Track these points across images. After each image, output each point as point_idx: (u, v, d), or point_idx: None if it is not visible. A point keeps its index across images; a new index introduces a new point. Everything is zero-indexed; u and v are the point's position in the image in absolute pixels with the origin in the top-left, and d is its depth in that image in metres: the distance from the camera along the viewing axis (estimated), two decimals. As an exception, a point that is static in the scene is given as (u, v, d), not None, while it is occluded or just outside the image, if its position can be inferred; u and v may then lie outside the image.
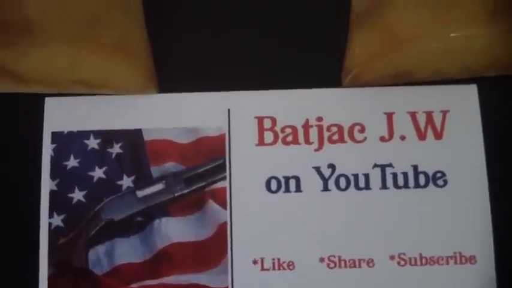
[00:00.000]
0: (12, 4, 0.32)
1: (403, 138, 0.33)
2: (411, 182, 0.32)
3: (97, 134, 0.33)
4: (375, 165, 0.32)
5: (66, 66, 0.32)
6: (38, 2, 0.32)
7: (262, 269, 0.31)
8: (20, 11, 0.32)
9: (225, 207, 0.32)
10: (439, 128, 0.33)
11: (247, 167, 0.32)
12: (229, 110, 0.33)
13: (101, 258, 0.31)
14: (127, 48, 0.33)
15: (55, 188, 0.32)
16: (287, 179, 0.32)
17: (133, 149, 0.32)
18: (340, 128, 0.33)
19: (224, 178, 0.32)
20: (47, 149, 0.32)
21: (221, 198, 0.32)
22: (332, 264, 0.31)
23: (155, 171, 0.32)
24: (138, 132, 0.33)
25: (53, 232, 0.31)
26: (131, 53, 0.33)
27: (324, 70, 0.34)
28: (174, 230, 0.32)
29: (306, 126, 0.33)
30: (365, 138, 0.33)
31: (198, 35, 0.35)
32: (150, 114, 0.33)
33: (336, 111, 0.33)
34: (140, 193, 0.32)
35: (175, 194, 0.32)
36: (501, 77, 0.34)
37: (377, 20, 0.33)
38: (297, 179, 0.32)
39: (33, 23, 0.32)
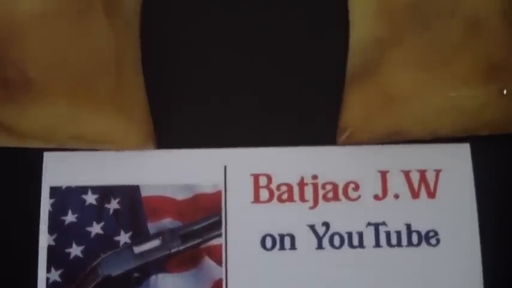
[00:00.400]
0: (13, 62, 0.33)
1: (396, 196, 0.33)
2: (404, 241, 0.33)
3: (95, 189, 0.33)
4: (369, 224, 0.33)
5: (65, 122, 0.33)
6: (37, 61, 0.33)
7: (258, 325, 0.33)
8: (20, 69, 0.33)
9: (220, 264, 0.32)
10: (432, 187, 0.34)
11: (243, 224, 0.33)
12: (225, 167, 0.34)
13: (97, 313, 0.32)
14: (125, 106, 0.34)
15: (53, 242, 0.32)
16: (282, 236, 0.33)
17: (130, 205, 0.33)
18: (335, 186, 0.34)
19: (220, 235, 0.33)
20: (45, 204, 0.33)
21: (217, 255, 0.32)
22: (327, 321, 0.33)
23: (152, 227, 0.33)
24: (135, 188, 0.33)
25: (50, 287, 0.32)
26: (130, 110, 0.34)
27: (319, 128, 0.35)
28: (170, 286, 0.32)
29: (301, 184, 0.34)
30: (359, 197, 0.34)
31: (195, 92, 0.35)
32: (148, 170, 0.34)
33: (330, 170, 0.34)
34: (137, 249, 0.32)
35: (172, 250, 0.32)
36: (494, 137, 0.34)
37: (371, 80, 0.34)
38: (292, 237, 0.33)
39: (33, 80, 0.33)
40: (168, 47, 0.37)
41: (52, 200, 0.33)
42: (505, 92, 0.32)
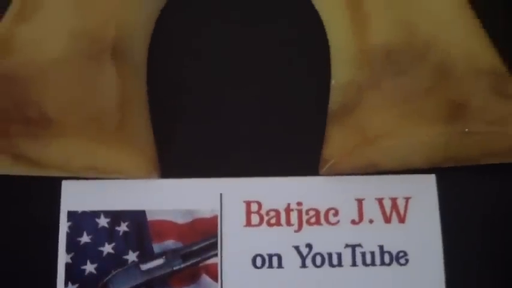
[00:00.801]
0: (34, 102, 0.35)
1: (371, 221, 0.36)
2: (377, 260, 0.36)
3: (107, 213, 0.37)
4: (347, 245, 0.36)
5: (79, 155, 0.36)
6: (55, 101, 0.36)
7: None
8: (40, 109, 0.35)
9: (216, 280, 0.36)
10: (402, 213, 0.37)
11: (236, 245, 0.36)
12: (221, 195, 0.37)
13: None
14: (133, 140, 0.36)
15: (70, 261, 0.36)
16: (270, 256, 0.36)
17: (138, 228, 0.36)
18: (317, 212, 0.37)
19: (216, 255, 0.36)
20: (63, 227, 0.36)
21: (213, 273, 0.36)
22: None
23: (157, 247, 0.36)
24: (142, 213, 0.36)
25: (68, 300, 0.36)
26: (136, 144, 0.36)
27: (304, 160, 0.37)
28: (172, 299, 0.36)
29: (288, 210, 0.37)
30: (338, 221, 0.37)
31: (195, 128, 0.38)
32: (153, 197, 0.37)
33: (313, 197, 0.37)
34: (144, 267, 0.36)
35: (174, 268, 0.36)
36: (457, 168, 0.37)
37: (350, 119, 0.36)
38: (279, 257, 0.36)
39: (51, 119, 0.35)
40: (168, 88, 0.39)
41: (69, 223, 0.37)
42: (466, 130, 0.35)
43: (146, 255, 0.36)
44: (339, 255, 0.36)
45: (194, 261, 0.36)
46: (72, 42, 0.37)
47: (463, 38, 0.37)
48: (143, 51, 0.39)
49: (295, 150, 0.38)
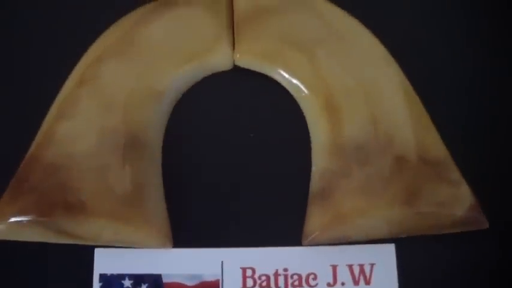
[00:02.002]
0: (72, 189, 0.41)
1: (343, 284, 0.42)
2: None
3: (130, 276, 0.42)
4: None
5: (108, 231, 0.41)
6: (88, 188, 0.41)
7: None
8: (77, 194, 0.41)
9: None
10: (368, 277, 0.42)
11: None
12: (222, 262, 0.43)
13: None
14: (150, 218, 0.42)
15: None
16: None
17: None
18: (299, 277, 0.42)
19: None
20: (96, 286, 0.42)
21: None
22: None
23: (171, 304, 0.43)
24: (159, 276, 0.42)
25: None
26: (155, 222, 0.42)
27: (289, 233, 0.43)
28: None
29: (276, 275, 0.42)
30: (317, 284, 0.42)
31: (201, 208, 0.44)
32: (167, 263, 0.43)
33: (297, 264, 0.43)
34: (160, 320, 0.43)
35: None
36: (414, 238, 0.43)
37: (327, 201, 0.42)
38: None
39: (86, 202, 0.40)
40: (179, 172, 0.45)
41: (100, 284, 0.42)
42: (418, 211, 0.41)
43: (162, 311, 0.43)
44: (317, 312, 0.42)
45: (201, 316, 0.42)
46: (100, 138, 0.42)
47: (416, 134, 0.43)
48: (158, 142, 0.45)
49: (283, 225, 0.43)
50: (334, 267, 0.43)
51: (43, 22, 0.50)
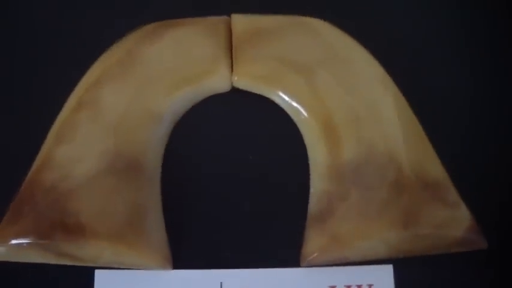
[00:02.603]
0: (71, 211, 0.41)
1: None
2: None
3: None
4: None
5: (108, 253, 0.41)
6: (88, 211, 0.41)
7: None
8: (76, 217, 0.41)
9: None
10: None
11: None
12: (221, 283, 0.43)
13: None
14: (151, 242, 0.42)
15: None
16: None
17: None
18: None
19: None
20: None
21: None
22: None
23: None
24: None
25: None
26: (154, 244, 0.42)
27: (287, 255, 0.43)
28: None
29: None
30: None
31: (199, 231, 0.44)
32: (167, 285, 0.43)
33: (295, 285, 0.43)
34: None
35: None
36: (412, 258, 0.43)
37: (324, 224, 0.42)
38: None
39: (85, 225, 0.40)
40: (178, 195, 0.45)
41: None
42: (417, 233, 0.41)
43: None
44: (316, 333, 0.43)
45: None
46: (99, 161, 0.42)
47: (414, 156, 0.43)
48: (157, 163, 0.45)
49: (281, 246, 0.44)
50: (332, 288, 0.45)
51: (41, 44, 0.50)
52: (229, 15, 0.48)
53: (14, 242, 0.40)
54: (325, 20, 0.48)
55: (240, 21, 0.48)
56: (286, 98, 0.46)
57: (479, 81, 0.49)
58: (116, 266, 0.43)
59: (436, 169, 0.44)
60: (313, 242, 0.43)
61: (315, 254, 0.42)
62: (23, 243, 0.40)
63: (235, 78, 0.46)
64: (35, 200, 0.41)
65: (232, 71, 0.46)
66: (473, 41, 0.50)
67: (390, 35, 0.50)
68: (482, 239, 0.42)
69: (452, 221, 0.42)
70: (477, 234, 0.42)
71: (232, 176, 0.45)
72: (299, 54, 0.46)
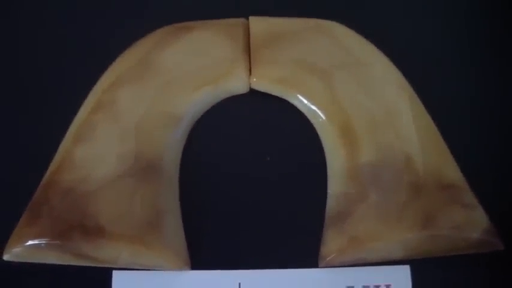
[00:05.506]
0: (91, 214, 0.41)
1: None
2: None
3: None
4: None
5: (126, 254, 0.42)
6: (107, 213, 0.41)
7: None
8: (95, 219, 0.41)
9: None
10: None
11: None
12: (239, 284, 0.43)
13: None
14: (170, 243, 0.42)
15: None
16: None
17: None
18: None
19: None
20: None
21: None
22: None
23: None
24: None
25: None
26: (173, 246, 0.42)
27: (305, 255, 0.44)
28: None
29: None
30: None
31: (218, 231, 0.45)
32: (185, 285, 0.43)
33: (313, 286, 0.43)
34: None
35: None
36: (428, 259, 0.43)
37: (343, 225, 0.43)
38: None
39: (104, 227, 0.41)
40: (197, 197, 0.45)
41: None
42: (434, 235, 0.41)
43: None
44: (334, 333, 0.43)
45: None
46: (118, 162, 0.43)
47: (431, 158, 0.44)
48: (175, 165, 0.45)
49: (298, 247, 0.44)
50: (351, 288, 0.45)
51: (58, 46, 0.50)
52: (247, 17, 0.49)
53: (31, 242, 0.41)
54: (341, 22, 0.49)
55: (258, 24, 0.48)
56: (305, 101, 0.46)
57: (499, 84, 0.49)
58: (134, 266, 0.43)
59: (452, 172, 0.44)
60: (332, 243, 0.43)
61: (333, 255, 0.43)
62: (40, 244, 0.41)
63: (254, 80, 0.46)
64: (53, 201, 0.42)
65: (250, 73, 0.47)
66: (492, 45, 0.51)
67: (405, 37, 0.50)
68: (499, 241, 0.42)
69: (469, 223, 0.42)
70: (494, 236, 0.42)
71: (250, 177, 0.46)
72: (317, 57, 0.47)
